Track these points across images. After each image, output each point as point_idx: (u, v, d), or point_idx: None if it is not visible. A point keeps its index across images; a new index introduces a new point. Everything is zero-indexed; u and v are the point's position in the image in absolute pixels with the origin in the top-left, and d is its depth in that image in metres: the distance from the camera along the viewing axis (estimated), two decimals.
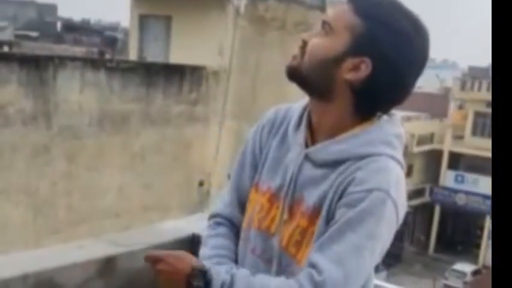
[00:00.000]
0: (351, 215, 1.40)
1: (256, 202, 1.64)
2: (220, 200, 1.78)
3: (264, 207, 1.61)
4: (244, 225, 1.68)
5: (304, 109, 1.62)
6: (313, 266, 1.41)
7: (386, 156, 1.47)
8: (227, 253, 1.68)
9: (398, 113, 1.59)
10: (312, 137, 1.57)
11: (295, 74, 1.54)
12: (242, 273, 1.49)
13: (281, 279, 1.46)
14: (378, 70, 1.45)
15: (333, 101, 1.51)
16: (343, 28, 1.47)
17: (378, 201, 1.39)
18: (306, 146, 1.57)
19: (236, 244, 1.70)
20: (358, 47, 1.45)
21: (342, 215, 1.42)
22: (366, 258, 1.40)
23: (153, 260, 1.54)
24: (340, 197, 1.45)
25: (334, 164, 1.50)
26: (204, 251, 1.71)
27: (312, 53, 1.51)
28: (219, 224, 1.74)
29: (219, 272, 1.48)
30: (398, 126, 1.57)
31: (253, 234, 1.63)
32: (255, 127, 1.74)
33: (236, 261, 1.67)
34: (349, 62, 1.46)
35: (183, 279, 1.47)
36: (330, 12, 1.55)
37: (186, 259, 1.51)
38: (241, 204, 1.72)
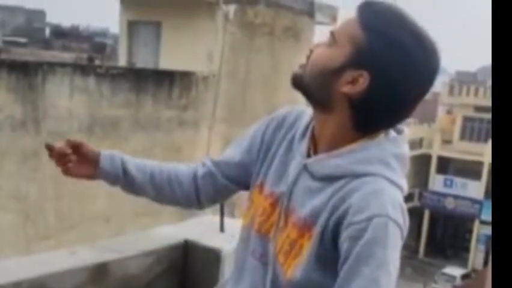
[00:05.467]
0: (358, 249, 1.36)
1: (259, 204, 1.64)
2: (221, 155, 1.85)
3: (266, 211, 1.61)
4: (246, 224, 1.68)
5: (312, 119, 1.61)
6: None
7: (381, 177, 1.44)
8: (173, 166, 1.82)
9: (406, 131, 1.56)
10: (315, 148, 1.56)
11: (298, 83, 1.53)
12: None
13: None
14: (375, 85, 1.42)
15: (332, 113, 1.49)
16: (345, 40, 1.45)
17: (380, 227, 1.36)
18: (309, 156, 1.56)
19: (187, 175, 1.80)
20: (358, 59, 1.43)
21: (349, 250, 1.38)
22: (385, 286, 1.36)
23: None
24: (337, 225, 1.42)
25: (330, 179, 1.48)
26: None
27: (313, 63, 1.50)
28: (203, 163, 1.83)
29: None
30: (401, 146, 1.53)
31: (253, 237, 1.64)
32: (266, 117, 1.76)
33: (171, 179, 1.79)
34: (348, 75, 1.44)
35: None
36: (339, 22, 1.54)
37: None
38: (224, 166, 1.78)
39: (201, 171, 1.80)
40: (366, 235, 1.36)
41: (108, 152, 1.78)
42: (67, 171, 1.74)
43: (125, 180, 1.78)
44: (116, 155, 1.78)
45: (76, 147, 1.73)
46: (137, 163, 1.80)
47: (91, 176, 1.78)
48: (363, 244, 1.36)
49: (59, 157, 1.72)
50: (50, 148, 1.71)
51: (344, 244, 1.40)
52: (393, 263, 1.39)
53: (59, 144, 1.71)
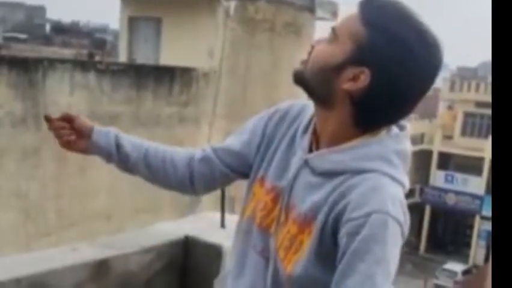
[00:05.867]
0: (356, 245, 1.36)
1: (261, 199, 1.63)
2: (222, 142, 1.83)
3: (267, 206, 1.61)
4: (246, 216, 1.68)
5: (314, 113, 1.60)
6: None
7: (381, 173, 1.43)
8: (159, 147, 1.81)
9: (408, 128, 1.55)
10: (317, 144, 1.55)
11: (299, 79, 1.52)
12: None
13: None
14: (377, 82, 1.40)
15: (333, 109, 1.48)
16: (347, 36, 1.43)
17: (379, 224, 1.35)
18: (311, 151, 1.55)
19: (182, 159, 1.79)
20: (359, 56, 1.41)
21: (346, 246, 1.38)
22: (381, 283, 1.35)
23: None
24: (337, 220, 1.41)
25: (331, 175, 1.47)
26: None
27: (314, 60, 1.49)
28: (203, 150, 1.81)
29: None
30: (403, 143, 1.52)
31: (255, 231, 1.63)
32: (269, 110, 1.74)
33: (167, 159, 1.79)
34: (349, 72, 1.42)
35: None
36: (340, 18, 1.52)
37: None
38: (225, 155, 1.77)
39: (198, 155, 1.79)
40: (364, 231, 1.35)
41: (103, 128, 1.77)
42: (63, 145, 1.75)
43: (118, 157, 1.76)
44: (111, 131, 1.76)
45: (71, 121, 1.74)
46: (133, 141, 1.79)
47: (85, 151, 1.77)
48: (361, 240, 1.35)
49: (57, 130, 1.72)
50: (48, 119, 1.71)
51: (342, 240, 1.39)
52: (392, 260, 1.38)
53: (56, 116, 1.72)
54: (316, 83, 1.49)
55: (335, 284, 1.39)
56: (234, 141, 1.77)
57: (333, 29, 1.47)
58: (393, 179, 1.44)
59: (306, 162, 1.54)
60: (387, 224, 1.36)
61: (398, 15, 1.42)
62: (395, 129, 1.53)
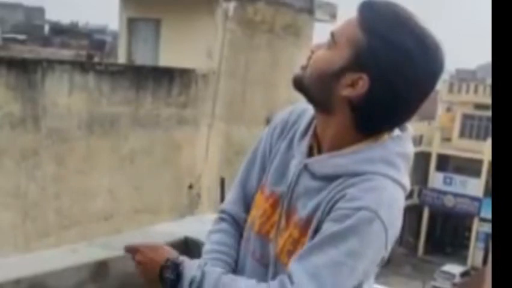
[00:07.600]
0: (334, 230, 1.37)
1: (260, 206, 1.63)
2: (228, 196, 1.80)
3: (266, 212, 1.60)
4: (248, 225, 1.67)
5: (314, 117, 1.59)
6: (288, 274, 1.40)
7: (383, 175, 1.42)
8: (225, 249, 1.69)
9: (410, 129, 1.54)
10: (318, 147, 1.55)
11: (299, 84, 1.52)
12: (213, 271, 1.52)
13: (252, 282, 1.47)
14: (375, 88, 1.40)
15: (333, 114, 1.47)
16: (345, 42, 1.42)
17: (365, 220, 1.35)
18: (311, 155, 1.55)
19: (237, 240, 1.72)
20: (357, 62, 1.40)
21: (325, 229, 1.39)
22: (344, 276, 1.35)
23: (132, 251, 1.62)
24: (329, 212, 1.42)
25: (331, 178, 1.47)
26: (205, 245, 1.75)
27: (313, 66, 1.48)
28: (222, 219, 1.77)
29: (191, 266, 1.52)
30: (405, 146, 1.51)
31: (253, 238, 1.63)
32: (269, 125, 1.73)
33: (234, 257, 1.69)
34: (348, 78, 1.42)
35: (157, 270, 1.54)
36: (339, 23, 1.50)
37: (161, 250, 1.59)
38: (246, 202, 1.73)
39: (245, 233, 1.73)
40: (348, 221, 1.36)
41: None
42: None
43: None
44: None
45: None
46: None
47: None
48: (341, 228, 1.36)
49: None
50: None
51: (325, 224, 1.41)
52: (365, 260, 1.38)
53: None
54: (315, 89, 1.48)
55: (299, 256, 1.40)
56: (253, 182, 1.72)
57: (332, 35, 1.46)
58: (395, 181, 1.44)
59: (305, 167, 1.53)
60: (372, 224, 1.36)
61: (397, 20, 1.40)
62: (396, 130, 1.52)
